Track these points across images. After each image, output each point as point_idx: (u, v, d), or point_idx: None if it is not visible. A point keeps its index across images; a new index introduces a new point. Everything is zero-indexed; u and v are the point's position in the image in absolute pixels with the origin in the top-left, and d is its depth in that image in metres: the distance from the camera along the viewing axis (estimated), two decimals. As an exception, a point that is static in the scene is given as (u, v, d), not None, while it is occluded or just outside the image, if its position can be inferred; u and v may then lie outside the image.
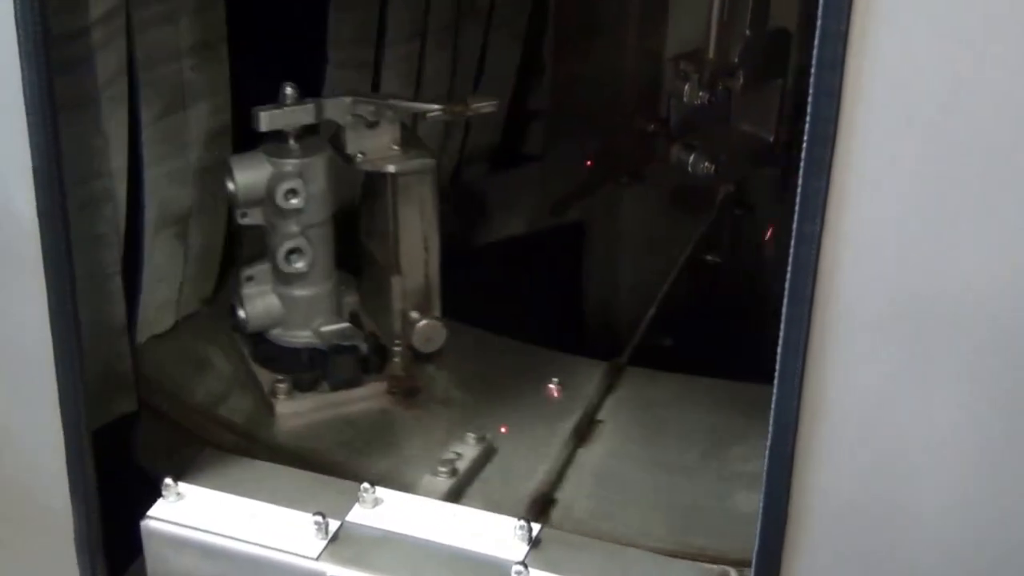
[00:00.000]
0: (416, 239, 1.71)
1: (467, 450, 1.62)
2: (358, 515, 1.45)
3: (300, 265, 1.68)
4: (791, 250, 1.14)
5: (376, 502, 1.46)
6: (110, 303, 1.64)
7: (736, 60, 1.89)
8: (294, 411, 1.70)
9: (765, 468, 1.23)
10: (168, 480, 1.46)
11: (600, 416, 1.72)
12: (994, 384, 1.13)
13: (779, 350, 1.18)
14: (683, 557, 1.45)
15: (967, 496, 1.18)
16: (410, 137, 1.73)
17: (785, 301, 1.16)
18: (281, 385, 1.70)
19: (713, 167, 1.82)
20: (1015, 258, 1.08)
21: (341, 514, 1.44)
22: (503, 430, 1.68)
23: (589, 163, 2.14)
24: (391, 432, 1.70)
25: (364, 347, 1.71)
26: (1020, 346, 1.11)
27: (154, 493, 1.47)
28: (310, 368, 1.71)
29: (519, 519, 1.42)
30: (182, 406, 1.73)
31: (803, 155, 1.11)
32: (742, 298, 2.05)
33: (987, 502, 1.18)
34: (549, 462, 1.63)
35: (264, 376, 1.73)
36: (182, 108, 1.73)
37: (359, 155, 1.67)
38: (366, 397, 1.72)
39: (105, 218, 1.61)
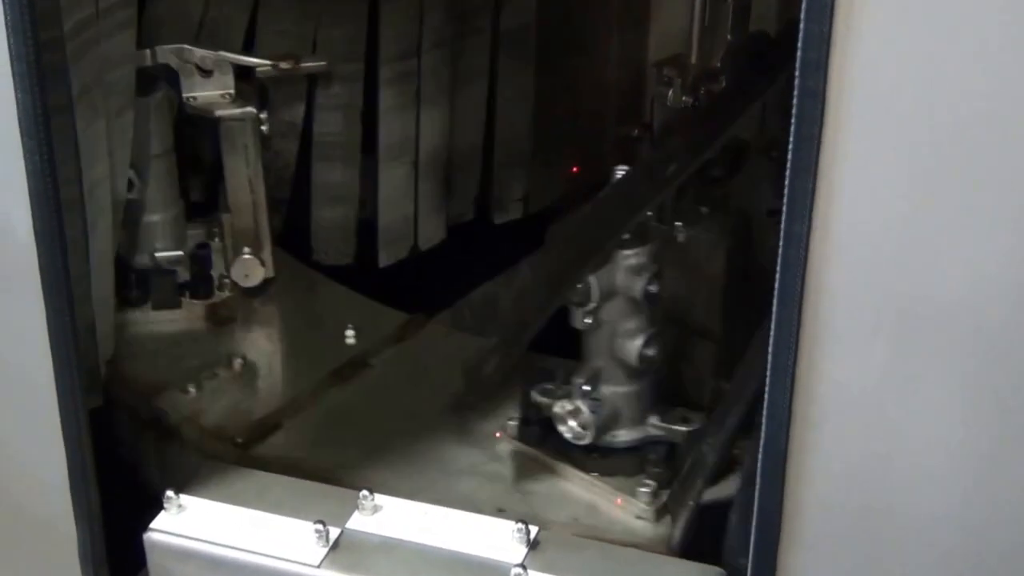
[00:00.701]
0: (242, 182, 1.79)
1: (225, 372, 1.77)
2: (358, 522, 1.45)
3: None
4: (779, 251, 1.15)
5: (376, 509, 1.47)
6: (81, 303, 1.64)
7: (718, 64, 1.90)
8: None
9: (759, 467, 1.24)
10: (169, 492, 1.47)
11: (373, 361, 1.83)
12: (984, 382, 1.14)
13: (770, 350, 1.19)
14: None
15: (960, 494, 1.19)
16: (244, 90, 1.81)
17: (775, 302, 1.17)
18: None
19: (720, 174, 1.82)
20: (1003, 256, 1.09)
21: (341, 521, 1.45)
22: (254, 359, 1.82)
23: (575, 169, 2.15)
24: (181, 348, 1.84)
25: (185, 274, 1.82)
26: (1009, 344, 1.12)
27: (156, 506, 1.47)
28: (137, 287, 1.81)
29: (517, 522, 1.43)
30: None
31: (789, 156, 1.12)
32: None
33: (980, 500, 1.19)
34: (293, 393, 1.76)
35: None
36: (131, 110, 1.75)
37: (190, 99, 1.77)
38: (181, 319, 1.85)
39: (74, 224, 1.61)
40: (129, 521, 1.48)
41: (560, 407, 1.56)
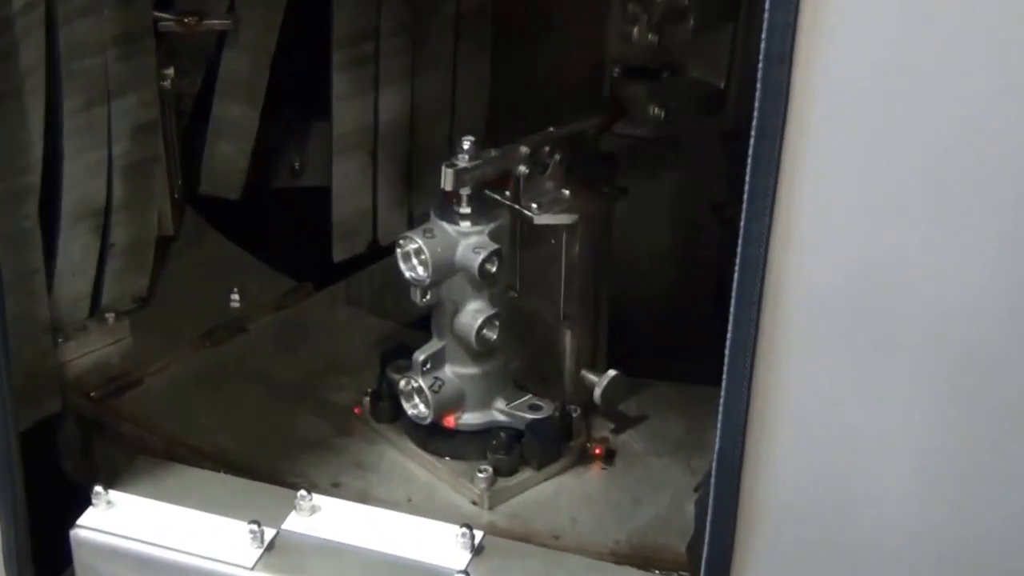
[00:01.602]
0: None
1: (96, 326, 1.74)
2: (295, 523, 1.41)
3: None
4: (739, 250, 1.11)
5: (313, 510, 1.42)
6: (33, 300, 1.60)
7: (686, 3, 1.80)
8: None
9: (713, 472, 1.20)
10: (98, 488, 1.42)
11: (250, 326, 1.83)
12: (947, 382, 1.11)
13: (727, 352, 1.14)
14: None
15: (921, 498, 1.15)
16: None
17: (733, 302, 1.13)
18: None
19: (663, 113, 1.76)
20: (967, 255, 1.06)
21: (277, 522, 1.40)
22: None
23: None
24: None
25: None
26: (971, 343, 1.09)
27: (84, 501, 1.43)
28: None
29: (461, 526, 1.39)
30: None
31: (750, 151, 1.08)
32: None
33: (942, 503, 1.15)
34: (161, 351, 1.75)
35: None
36: (105, 101, 1.69)
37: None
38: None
39: (28, 214, 1.56)
40: (57, 517, 1.43)
41: (404, 384, 1.56)
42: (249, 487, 1.47)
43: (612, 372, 1.60)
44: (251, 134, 2.01)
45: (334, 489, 1.52)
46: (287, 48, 1.97)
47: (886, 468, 1.15)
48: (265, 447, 1.60)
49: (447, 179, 1.49)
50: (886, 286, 1.09)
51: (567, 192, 1.58)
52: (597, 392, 1.59)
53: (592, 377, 1.61)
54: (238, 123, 2.00)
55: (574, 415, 1.60)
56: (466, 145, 1.49)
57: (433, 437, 1.58)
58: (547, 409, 1.58)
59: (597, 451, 1.60)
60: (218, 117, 1.99)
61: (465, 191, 1.50)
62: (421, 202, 2.07)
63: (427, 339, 1.57)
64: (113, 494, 1.42)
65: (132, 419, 1.62)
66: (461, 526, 1.39)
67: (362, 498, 1.49)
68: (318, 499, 1.43)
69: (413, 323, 1.87)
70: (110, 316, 1.76)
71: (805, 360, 1.14)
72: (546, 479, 1.56)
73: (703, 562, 1.23)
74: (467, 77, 2.03)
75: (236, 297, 1.86)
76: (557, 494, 1.55)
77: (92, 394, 1.66)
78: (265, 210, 2.08)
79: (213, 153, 2.01)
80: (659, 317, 1.98)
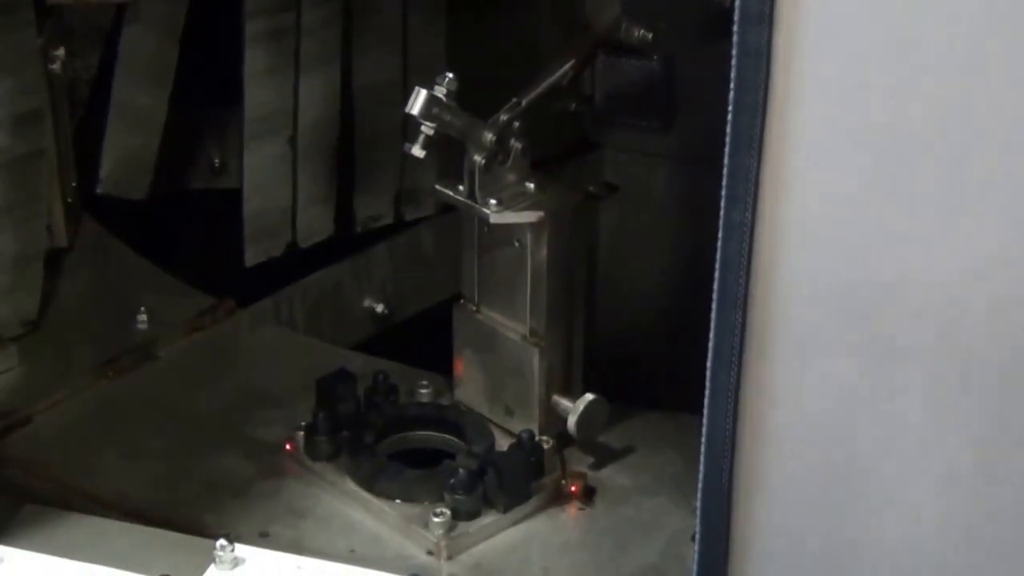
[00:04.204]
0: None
1: None
2: (214, 577, 1.45)
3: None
4: (719, 244, 1.16)
5: (236, 562, 1.45)
6: None
7: None
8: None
9: (699, 504, 1.25)
10: None
11: (161, 352, 1.87)
12: (960, 388, 1.14)
13: (708, 363, 1.19)
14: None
15: (935, 526, 1.19)
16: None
17: (713, 305, 1.18)
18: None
19: (650, 35, 1.78)
20: (976, 244, 1.09)
21: None
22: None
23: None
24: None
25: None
26: (997, 350, 1.12)
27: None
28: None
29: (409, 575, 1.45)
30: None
31: (728, 128, 1.13)
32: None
33: (957, 530, 1.19)
34: (55, 383, 1.78)
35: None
36: None
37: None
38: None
39: None
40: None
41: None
42: (158, 537, 1.51)
43: (589, 396, 1.65)
44: (158, 124, 2.05)
45: (262, 540, 1.56)
46: (200, 22, 2.01)
47: (895, 496, 1.19)
48: (178, 493, 1.64)
49: (416, 101, 1.54)
50: (890, 280, 1.13)
51: (531, 185, 1.63)
52: (572, 420, 1.64)
53: (566, 403, 1.66)
54: (143, 112, 2.04)
55: (545, 447, 1.65)
56: (447, 77, 1.56)
57: (379, 476, 1.63)
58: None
59: (573, 489, 1.64)
60: (119, 105, 2.03)
61: (426, 128, 1.55)
62: (367, 203, 2.13)
63: (370, 363, 1.65)
64: (1, 549, 1.44)
65: (19, 464, 1.66)
66: (409, 574, 1.45)
67: (296, 550, 1.52)
68: (242, 550, 1.46)
69: (354, 346, 1.93)
70: None
71: (798, 371, 1.18)
72: (514, 523, 1.61)
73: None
74: (418, 53, 2.08)
75: (143, 318, 1.89)
76: (527, 541, 1.60)
77: None
78: (177, 215, 2.13)
79: (114, 147, 2.05)
80: (647, 336, 2.03)
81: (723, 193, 1.15)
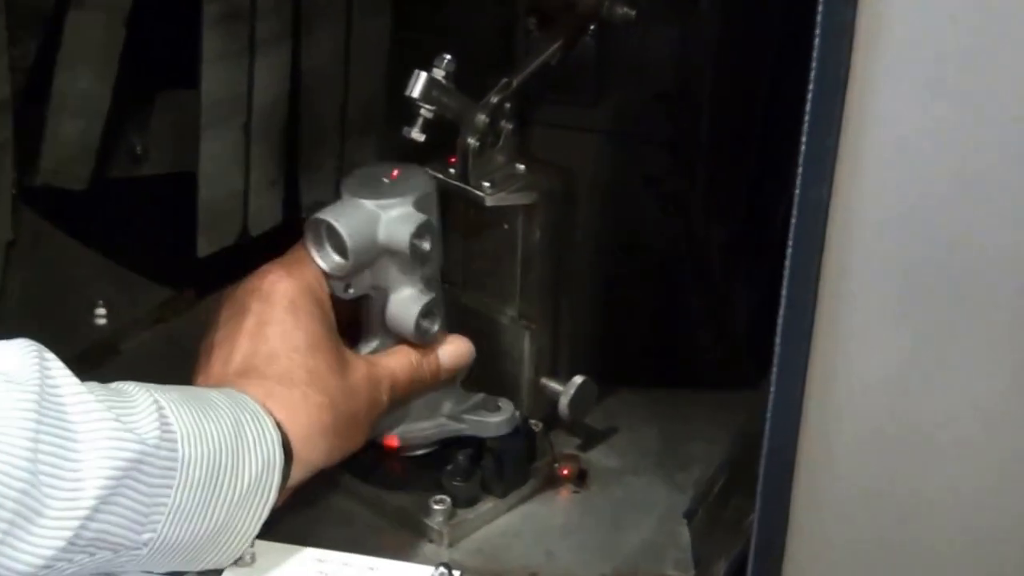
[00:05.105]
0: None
1: None
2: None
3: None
4: (793, 220, 1.17)
5: (253, 557, 1.45)
6: None
7: None
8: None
9: (761, 477, 1.26)
10: None
11: (123, 347, 1.88)
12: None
13: (778, 340, 1.21)
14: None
15: (997, 494, 1.22)
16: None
17: (785, 282, 1.19)
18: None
19: (633, 13, 1.76)
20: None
21: None
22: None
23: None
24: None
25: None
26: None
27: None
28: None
29: (437, 567, 1.44)
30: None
31: (808, 109, 1.13)
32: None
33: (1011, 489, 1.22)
34: None
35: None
36: None
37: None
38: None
39: None
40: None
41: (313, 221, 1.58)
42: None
43: (579, 378, 1.65)
44: (102, 112, 1.97)
45: (262, 534, 1.49)
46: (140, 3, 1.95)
47: (964, 467, 1.22)
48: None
49: (417, 83, 1.53)
50: (964, 258, 1.15)
51: (522, 167, 1.62)
52: (563, 402, 1.64)
53: (555, 386, 1.66)
54: (87, 99, 1.96)
55: (536, 431, 1.65)
56: (446, 59, 1.54)
57: (375, 466, 1.61)
58: (506, 409, 1.62)
59: (565, 472, 1.65)
60: (61, 92, 1.95)
61: (426, 112, 1.53)
62: (311, 186, 2.08)
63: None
64: None
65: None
66: (437, 567, 1.44)
67: (298, 543, 1.50)
68: (261, 545, 1.44)
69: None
70: None
71: (867, 345, 1.20)
72: (511, 507, 1.61)
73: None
74: (362, 28, 2.04)
75: (102, 311, 1.87)
76: (526, 524, 1.59)
77: None
78: (108, 204, 2.06)
79: (56, 136, 1.97)
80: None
81: (800, 172, 1.15)
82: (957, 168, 1.13)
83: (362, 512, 1.60)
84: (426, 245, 1.53)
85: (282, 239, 2.00)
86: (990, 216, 1.13)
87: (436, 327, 1.57)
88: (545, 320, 1.67)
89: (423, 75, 1.52)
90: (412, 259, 1.52)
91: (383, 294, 1.56)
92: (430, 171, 1.58)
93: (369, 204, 1.52)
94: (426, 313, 1.55)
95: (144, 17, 1.95)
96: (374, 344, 1.58)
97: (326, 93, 2.04)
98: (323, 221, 1.51)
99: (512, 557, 1.54)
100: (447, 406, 1.62)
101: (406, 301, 1.55)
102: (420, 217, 1.52)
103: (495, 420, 1.61)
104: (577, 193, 1.67)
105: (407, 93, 1.53)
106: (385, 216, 1.52)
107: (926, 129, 1.12)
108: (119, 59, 1.95)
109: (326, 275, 1.53)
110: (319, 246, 1.52)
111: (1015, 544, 1.24)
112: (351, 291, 1.54)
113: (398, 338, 1.57)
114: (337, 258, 1.52)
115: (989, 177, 1.12)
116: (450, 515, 1.55)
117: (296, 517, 1.56)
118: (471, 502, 1.58)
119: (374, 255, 1.53)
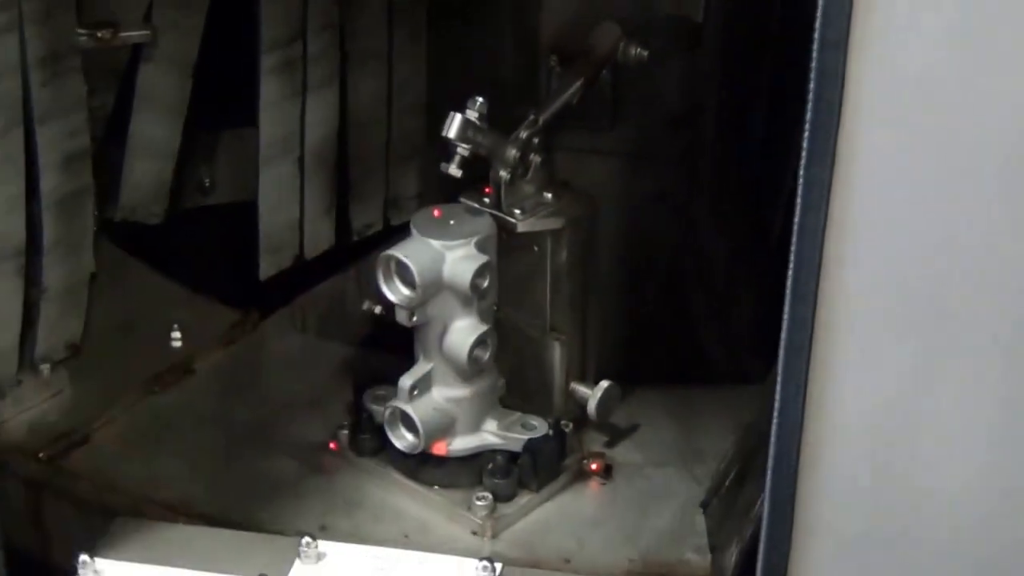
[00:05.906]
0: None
1: (30, 379, 1.81)
2: (301, 572, 1.52)
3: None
4: (792, 245, 1.24)
5: (320, 556, 1.54)
6: None
7: None
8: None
9: (767, 488, 1.34)
10: (84, 557, 1.50)
11: (197, 366, 1.96)
12: (1017, 379, 1.23)
13: (781, 353, 1.28)
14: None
15: (985, 490, 1.28)
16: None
17: (787, 301, 1.26)
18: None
19: (646, 53, 1.88)
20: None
21: (283, 573, 1.51)
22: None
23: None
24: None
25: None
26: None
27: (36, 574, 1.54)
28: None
29: (480, 560, 1.53)
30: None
31: (805, 143, 1.21)
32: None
33: (1006, 496, 1.28)
34: (105, 402, 1.86)
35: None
36: (21, 127, 1.75)
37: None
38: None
39: None
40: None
41: (389, 413, 1.70)
42: (243, 539, 1.58)
43: (605, 383, 1.76)
44: (173, 152, 2.09)
45: (322, 533, 1.63)
46: (205, 54, 2.06)
47: (956, 474, 1.28)
48: (238, 495, 1.71)
49: (453, 125, 1.65)
50: (951, 277, 1.21)
51: (549, 195, 1.74)
52: (592, 405, 1.76)
53: (584, 390, 1.78)
54: (159, 141, 2.09)
55: (567, 431, 1.77)
56: (479, 101, 1.66)
57: (422, 466, 1.72)
58: (541, 427, 1.74)
59: (594, 467, 1.77)
60: (136, 136, 2.07)
61: (462, 150, 1.65)
62: (361, 212, 2.21)
63: (387, 361, 1.74)
64: (100, 563, 1.50)
65: (88, 479, 1.71)
66: (481, 560, 1.53)
67: (353, 539, 1.61)
68: (324, 545, 1.54)
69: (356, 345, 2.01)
70: (45, 367, 1.82)
71: (863, 356, 1.27)
72: (545, 501, 1.72)
73: (760, 566, 1.39)
74: (402, 70, 2.16)
75: (177, 335, 1.95)
76: (559, 516, 1.71)
77: (40, 455, 1.74)
78: (181, 234, 2.18)
79: (132, 176, 2.09)
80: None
81: (799, 199, 1.22)
82: (948, 190, 1.19)
83: (412, 508, 1.71)
84: (485, 283, 1.65)
85: (335, 261, 2.15)
86: (980, 234, 1.20)
87: (487, 356, 1.69)
88: (573, 331, 1.78)
89: (458, 117, 1.64)
90: (471, 295, 1.64)
91: (441, 324, 1.67)
92: (463, 199, 1.70)
93: (436, 244, 1.64)
94: (479, 343, 1.67)
95: (210, 66, 2.08)
96: (427, 368, 1.70)
97: (371, 130, 2.17)
98: (394, 257, 1.62)
99: (547, 546, 1.66)
100: (489, 423, 1.74)
101: (463, 331, 1.67)
102: (482, 258, 1.64)
103: (522, 438, 1.73)
104: (599, 215, 1.78)
105: (444, 134, 1.64)
106: (450, 256, 1.64)
107: (914, 159, 1.19)
108: (188, 104, 2.07)
109: (394, 305, 1.65)
110: (388, 279, 1.64)
111: (1002, 535, 1.31)
112: (415, 319, 1.65)
113: (452, 364, 1.69)
114: (405, 291, 1.64)
115: (979, 195, 1.18)
116: (491, 509, 1.67)
117: (353, 515, 1.70)
118: (509, 497, 1.69)
119: (438, 289, 1.65)
